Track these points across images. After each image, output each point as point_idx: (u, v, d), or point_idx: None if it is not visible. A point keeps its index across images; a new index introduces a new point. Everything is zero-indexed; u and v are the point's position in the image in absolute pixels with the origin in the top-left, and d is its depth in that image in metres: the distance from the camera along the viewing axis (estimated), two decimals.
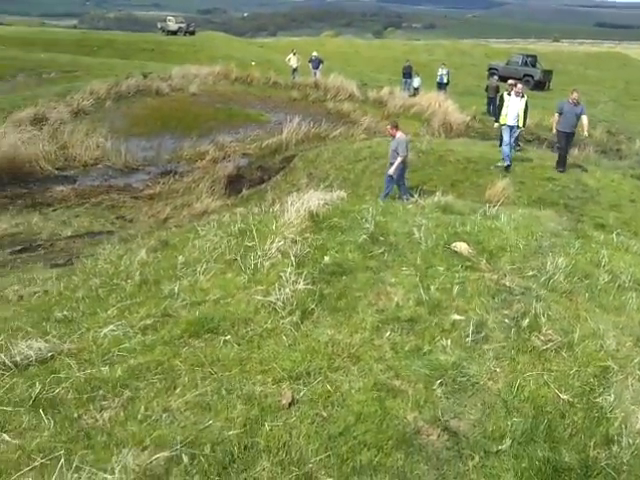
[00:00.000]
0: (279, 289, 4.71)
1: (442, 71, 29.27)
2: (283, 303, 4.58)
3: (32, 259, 9.85)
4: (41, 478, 2.69)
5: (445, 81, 29.06)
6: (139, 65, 30.71)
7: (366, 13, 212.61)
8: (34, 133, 16.64)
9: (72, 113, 19.46)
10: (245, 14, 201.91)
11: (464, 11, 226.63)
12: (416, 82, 28.56)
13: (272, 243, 5.56)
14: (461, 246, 5.52)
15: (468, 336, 4.10)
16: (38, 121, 18.06)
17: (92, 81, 22.99)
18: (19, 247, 10.51)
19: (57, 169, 15.82)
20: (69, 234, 11.38)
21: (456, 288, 4.73)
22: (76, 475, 2.68)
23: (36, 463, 2.85)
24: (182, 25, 56.50)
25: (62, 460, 2.77)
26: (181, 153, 17.88)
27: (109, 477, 2.67)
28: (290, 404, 3.46)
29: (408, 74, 29.34)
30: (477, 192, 11.04)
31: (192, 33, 55.65)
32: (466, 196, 10.32)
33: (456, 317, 4.37)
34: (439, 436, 3.26)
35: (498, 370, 3.81)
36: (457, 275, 5.01)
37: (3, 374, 3.83)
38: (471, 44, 63.79)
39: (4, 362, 3.92)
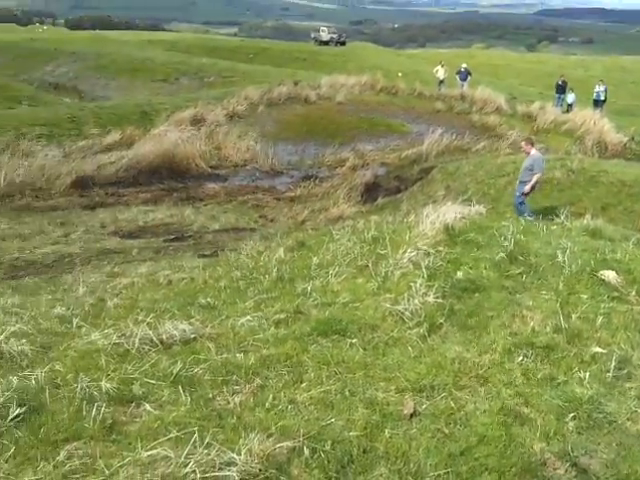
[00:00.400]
0: (408, 299, 4.69)
1: (599, 88, 27.35)
2: (411, 314, 4.56)
3: (182, 248, 10.70)
4: (175, 449, 2.90)
5: (602, 98, 27.12)
6: (291, 73, 32.06)
7: (520, 26, 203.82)
8: (193, 133, 18.05)
9: (227, 116, 20.80)
10: (395, 25, 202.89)
11: (627, 26, 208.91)
12: (570, 98, 26.96)
13: (404, 253, 5.55)
14: (609, 274, 5.13)
15: (609, 371, 3.81)
16: (197, 122, 19.52)
17: (247, 87, 24.39)
18: (172, 236, 11.50)
19: (211, 167, 17.04)
20: (216, 228, 12.22)
21: (600, 319, 4.41)
22: (206, 451, 2.86)
23: (172, 435, 3.08)
24: (334, 35, 57.98)
25: (195, 435, 2.97)
26: (323, 159, 18.41)
27: (236, 457, 2.82)
28: (412, 415, 3.44)
29: (562, 89, 27.77)
30: (630, 218, 10.21)
31: (343, 43, 56.89)
32: (618, 221, 9.57)
33: (597, 350, 4.08)
34: (566, 471, 3.06)
35: (639, 411, 3.50)
36: (602, 305, 4.67)
37: (150, 350, 4.20)
38: (632, 60, 58.89)
39: (152, 339, 4.28)
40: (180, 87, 31.77)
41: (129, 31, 75.59)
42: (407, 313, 4.54)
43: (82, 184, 14.81)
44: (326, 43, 56.21)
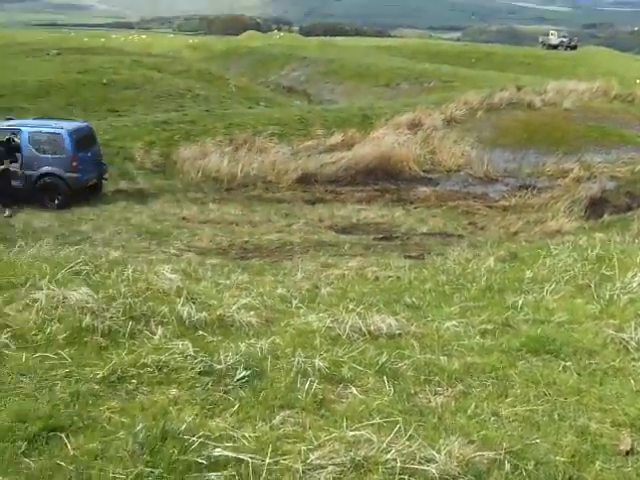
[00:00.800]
0: (635, 328, 4.28)
1: None
2: (637, 344, 4.15)
3: (390, 247, 11.02)
4: (378, 434, 3.03)
5: None
6: (514, 78, 30.79)
7: None
8: (409, 137, 18.37)
9: (445, 121, 20.72)
10: (635, 28, 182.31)
11: None
12: None
13: (634, 277, 5.09)
14: None
15: None
16: (414, 126, 19.80)
17: (467, 92, 24.01)
18: (381, 235, 11.93)
19: (423, 171, 17.23)
20: (424, 231, 12.34)
21: None
22: (408, 443, 2.94)
23: (375, 421, 3.22)
24: (564, 39, 54.92)
25: (399, 426, 3.07)
26: (543, 168, 17.47)
27: (436, 455, 2.85)
28: (628, 452, 3.14)
29: None
30: None
31: (573, 48, 53.40)
32: None
33: None
34: None
35: None
36: None
37: (358, 338, 4.42)
38: None
39: (361, 328, 4.51)
40: (400, 92, 32.49)
41: (357, 37, 79.34)
42: (633, 343, 4.15)
43: (306, 180, 16.07)
44: (555, 47, 53.18)
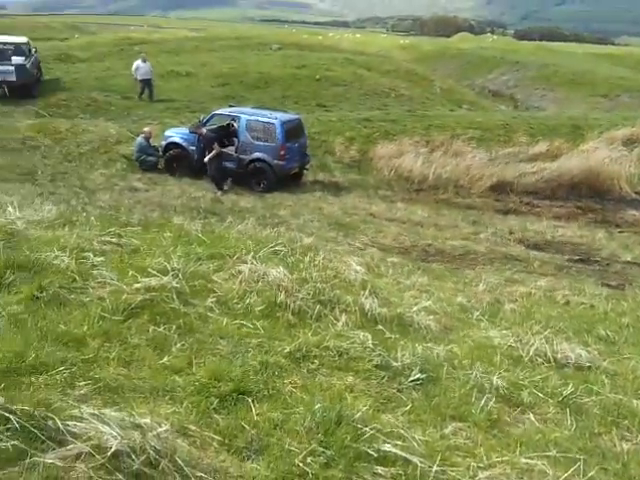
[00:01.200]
0: None
1: None
2: None
3: (585, 272, 10.18)
4: (554, 468, 2.86)
5: None
6: None
7: None
8: (623, 153, 16.68)
9: None
10: None
11: None
12: None
13: None
14: None
15: None
16: (631, 142, 17.94)
17: None
18: (577, 257, 11.04)
19: (635, 193, 15.57)
20: (628, 259, 11.17)
21: None
22: None
23: (551, 453, 3.04)
24: None
25: (579, 464, 2.87)
26: None
27: None
28: None
29: None
30: None
31: None
32: None
33: None
34: None
35: None
36: None
37: (542, 363, 4.20)
38: None
39: (546, 353, 4.28)
40: (619, 104, 29.63)
41: (574, 43, 73.86)
42: None
43: (500, 189, 15.40)
44: None
